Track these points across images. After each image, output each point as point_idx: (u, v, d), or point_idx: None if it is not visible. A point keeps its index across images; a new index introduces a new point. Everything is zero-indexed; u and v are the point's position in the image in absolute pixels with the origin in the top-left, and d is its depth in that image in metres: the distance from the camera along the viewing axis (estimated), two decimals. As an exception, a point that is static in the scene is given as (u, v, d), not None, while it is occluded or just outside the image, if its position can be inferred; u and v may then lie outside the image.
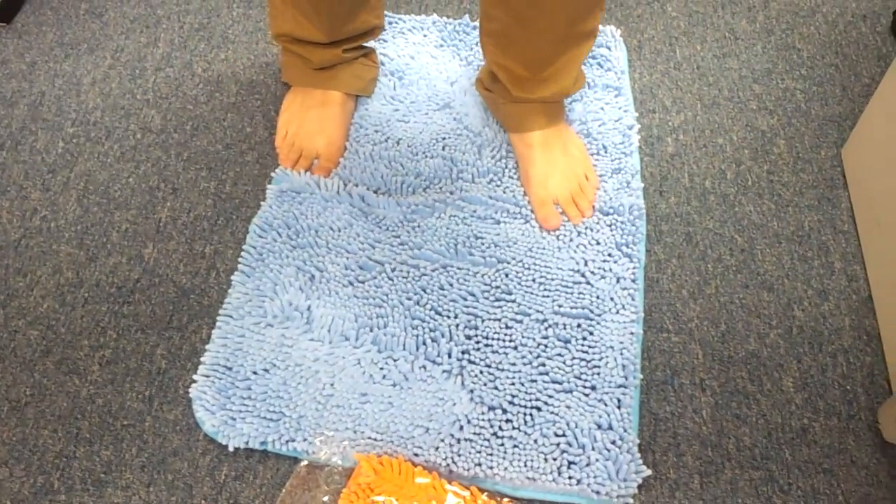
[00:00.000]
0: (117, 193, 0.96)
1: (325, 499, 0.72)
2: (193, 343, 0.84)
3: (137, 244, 0.92)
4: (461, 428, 0.78)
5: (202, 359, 0.82)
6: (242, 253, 0.89)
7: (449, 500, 0.72)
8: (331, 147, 0.95)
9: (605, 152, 0.97)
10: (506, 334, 0.83)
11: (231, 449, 0.77)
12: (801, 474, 0.76)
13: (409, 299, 0.85)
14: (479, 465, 0.75)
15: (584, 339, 0.83)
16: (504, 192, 0.94)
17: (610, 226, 0.91)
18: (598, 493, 0.74)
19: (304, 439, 0.76)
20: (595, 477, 0.74)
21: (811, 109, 1.04)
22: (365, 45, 0.99)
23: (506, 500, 0.73)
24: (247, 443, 0.77)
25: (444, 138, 0.98)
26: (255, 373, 0.81)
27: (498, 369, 0.81)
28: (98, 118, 1.03)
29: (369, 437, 0.77)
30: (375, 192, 0.94)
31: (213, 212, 0.94)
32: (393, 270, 0.88)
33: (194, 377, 0.81)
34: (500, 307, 0.85)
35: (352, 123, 0.99)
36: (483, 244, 0.90)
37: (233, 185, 0.97)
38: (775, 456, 0.77)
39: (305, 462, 0.75)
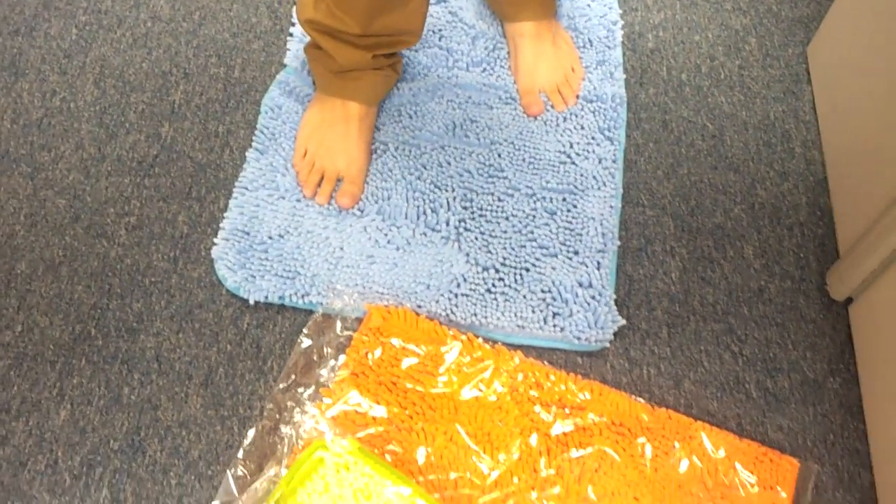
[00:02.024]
0: (132, 77, 1.02)
1: (337, 340, 0.81)
2: (212, 212, 0.92)
3: (154, 123, 0.98)
4: (458, 285, 0.87)
5: (221, 225, 0.90)
6: (256, 133, 0.96)
7: (449, 342, 0.81)
8: (352, 167, 0.90)
9: (591, 45, 1.05)
10: (498, 206, 0.92)
11: (252, 302, 0.85)
12: (756, 327, 0.87)
13: (411, 174, 0.93)
14: (475, 315, 0.85)
15: (569, 211, 0.92)
16: (496, 80, 1.01)
17: (594, 112, 0.99)
18: (578, 339, 0.84)
19: (318, 293, 0.85)
20: (576, 326, 0.84)
21: (781, 11, 1.12)
22: (391, 56, 0.92)
23: (499, 345, 0.83)
24: (266, 297, 0.85)
25: (440, 30, 1.05)
26: (270, 238, 0.89)
27: (491, 236, 0.90)
28: (109, 7, 1.08)
29: (377, 292, 0.86)
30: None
31: (224, 95, 1.01)
32: (396, 149, 0.95)
33: (215, 241, 0.89)
34: (493, 183, 0.94)
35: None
36: (477, 127, 0.97)
37: (241, 70, 1.03)
38: (735, 311, 0.88)
39: (320, 312, 0.84)
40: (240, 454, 0.75)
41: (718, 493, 0.74)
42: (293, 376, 0.80)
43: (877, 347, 0.81)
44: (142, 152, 0.96)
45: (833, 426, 0.81)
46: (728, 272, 0.90)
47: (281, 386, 0.79)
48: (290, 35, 1.05)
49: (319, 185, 0.91)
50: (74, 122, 0.98)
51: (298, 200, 0.91)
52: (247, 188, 0.92)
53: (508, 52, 1.02)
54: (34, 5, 1.07)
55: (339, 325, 0.83)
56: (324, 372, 0.80)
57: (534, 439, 0.76)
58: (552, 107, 0.99)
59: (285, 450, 0.74)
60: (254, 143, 0.96)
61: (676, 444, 0.76)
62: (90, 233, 0.90)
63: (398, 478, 0.70)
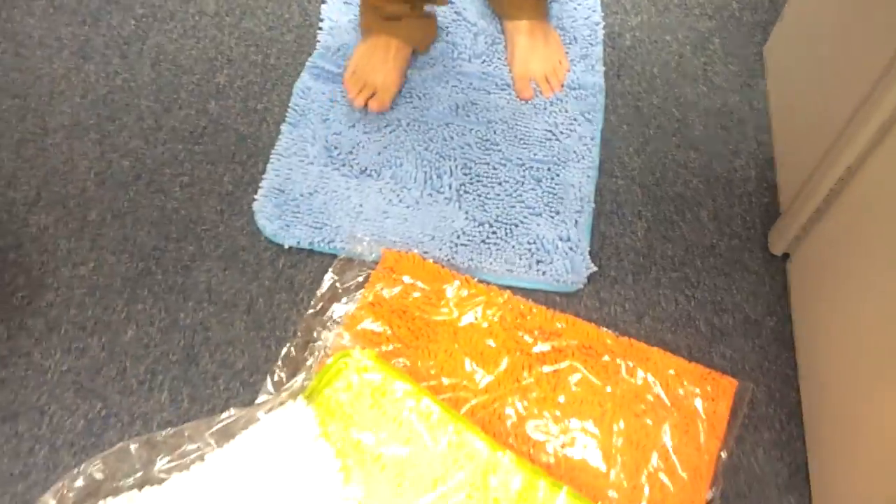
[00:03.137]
0: (183, 62, 1.20)
1: (357, 278, 0.98)
2: (252, 174, 1.09)
3: (202, 100, 1.16)
4: (458, 237, 1.04)
5: (260, 184, 1.07)
6: (289, 110, 1.14)
7: (450, 281, 0.98)
8: (387, 81, 1.12)
9: (576, 42, 1.22)
10: (493, 174, 1.09)
11: (286, 247, 1.02)
12: (707, 276, 1.04)
13: (420, 146, 1.11)
14: (472, 260, 1.02)
15: (553, 178, 1.09)
16: (494, 70, 1.19)
17: (576, 98, 1.17)
18: (557, 281, 1.01)
19: (342, 240, 1.02)
20: (556, 271, 1.01)
21: (742, 16, 1.29)
22: (428, 9, 1.17)
23: (491, 285, 1.00)
24: (298, 243, 1.02)
25: (446, 27, 1.22)
26: (301, 195, 1.06)
27: (486, 198, 1.07)
28: (162, 2, 1.26)
29: (390, 240, 1.03)
30: (392, 65, 1.18)
31: (262, 78, 1.18)
32: (408, 125, 1.13)
33: (255, 197, 1.06)
34: (489, 154, 1.11)
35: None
36: (477, 108, 1.15)
37: (276, 58, 1.20)
38: (690, 263, 1.05)
39: (343, 255, 1.01)
40: (278, 363, 0.92)
41: (669, 402, 0.91)
42: (321, 304, 0.97)
43: (807, 293, 0.98)
44: (192, 124, 1.13)
45: (768, 356, 0.98)
46: (685, 232, 1.07)
47: (311, 312, 0.96)
48: (320, 28, 1.23)
49: (360, 92, 1.13)
50: (135, 98, 1.15)
51: (325, 166, 1.09)
52: (281, 155, 1.10)
53: (505, 46, 1.20)
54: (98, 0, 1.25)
55: (359, 265, 1.00)
56: (346, 302, 0.97)
57: (517, 357, 0.93)
58: (541, 93, 1.16)
59: (315, 360, 0.91)
60: (287, 118, 1.13)
61: (631, 364, 0.93)
62: (150, 188, 1.07)
63: (407, 380, 0.87)
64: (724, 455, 0.89)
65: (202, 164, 1.09)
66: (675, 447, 0.88)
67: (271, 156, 1.09)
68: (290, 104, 1.14)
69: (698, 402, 0.91)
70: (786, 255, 1.04)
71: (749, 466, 0.90)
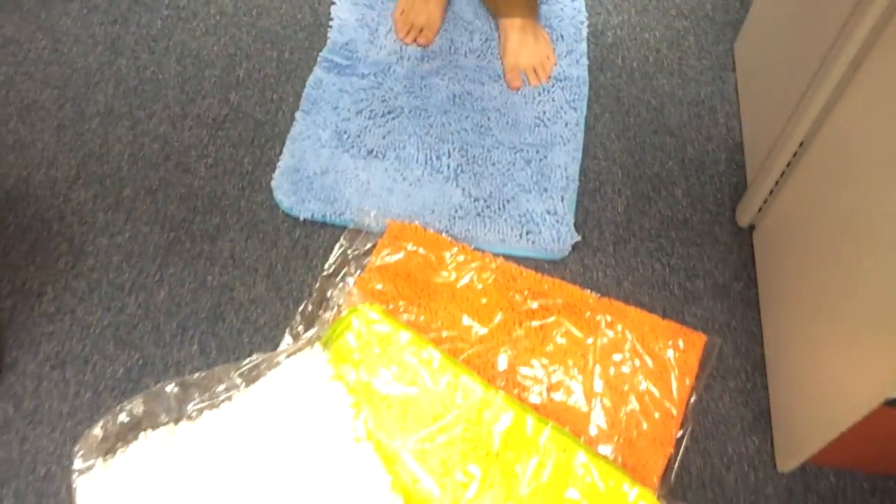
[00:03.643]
0: (206, 57, 1.32)
1: (365, 245, 1.10)
2: (270, 156, 1.21)
3: (224, 91, 1.27)
4: (456, 211, 1.15)
5: (277, 165, 1.19)
6: (302, 99, 1.26)
7: (448, 248, 1.10)
8: (430, 21, 1.32)
9: (562, 39, 1.34)
10: (487, 156, 1.21)
11: (301, 219, 1.14)
12: (680, 246, 1.15)
13: (421, 130, 1.23)
14: (468, 231, 1.13)
15: (541, 160, 1.21)
16: (487, 64, 1.31)
17: (562, 88, 1.29)
18: (545, 249, 1.12)
19: (351, 213, 1.14)
20: (544, 240, 1.13)
21: (715, 16, 1.42)
22: None
23: (485, 252, 1.11)
24: (312, 216, 1.14)
25: (445, 26, 1.34)
26: (314, 174, 1.18)
27: (481, 177, 1.19)
28: (185, 3, 1.38)
29: (395, 214, 1.14)
30: (398, 61, 1.30)
31: (277, 71, 1.30)
32: (410, 112, 1.25)
33: (273, 175, 1.17)
34: (483, 138, 1.23)
35: (380, 24, 1.34)
36: (472, 98, 1.27)
37: (290, 53, 1.33)
38: (665, 235, 1.16)
39: (352, 226, 1.12)
40: (296, 318, 1.04)
41: (644, 353, 1.02)
42: (333, 268, 1.08)
43: (770, 259, 1.09)
44: (215, 112, 1.25)
45: (735, 315, 1.09)
46: (661, 207, 1.19)
47: (324, 274, 1.07)
48: (329, 26, 1.35)
49: (408, 32, 1.32)
50: (162, 89, 1.27)
51: (336, 148, 1.20)
52: (296, 139, 1.21)
53: (498, 41, 1.32)
54: (128, 1, 1.37)
55: (366, 235, 1.11)
56: (355, 266, 1.08)
57: (509, 313, 1.04)
58: (529, 83, 1.28)
59: (329, 315, 1.03)
60: (301, 107, 1.25)
61: (610, 318, 1.04)
62: (178, 168, 1.19)
63: (410, 332, 0.98)
64: (693, 400, 1.00)
65: (224, 147, 1.21)
66: (649, 392, 0.99)
67: (287, 140, 1.21)
68: (303, 94, 1.26)
69: (670, 354, 1.02)
70: (751, 227, 1.16)
71: (716, 410, 1.02)
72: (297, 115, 1.24)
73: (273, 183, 1.16)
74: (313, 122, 1.23)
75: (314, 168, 1.18)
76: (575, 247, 1.14)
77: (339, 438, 0.90)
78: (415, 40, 1.31)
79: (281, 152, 1.20)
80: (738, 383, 1.04)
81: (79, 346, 1.02)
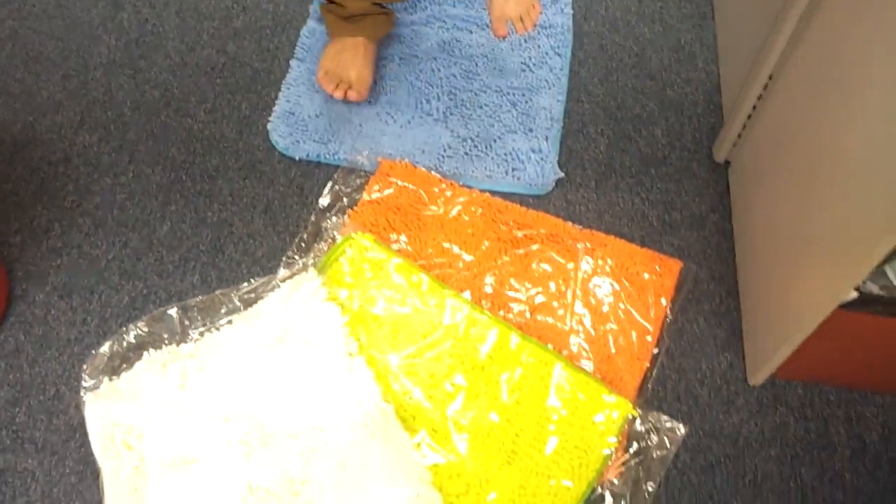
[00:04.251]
0: (204, 10, 1.36)
1: (357, 182, 1.15)
2: (266, 101, 1.26)
3: (222, 42, 1.32)
4: (445, 150, 1.21)
5: (273, 109, 1.24)
6: (297, 48, 1.31)
7: (438, 185, 1.15)
8: (360, 76, 1.21)
9: (548, -10, 1.39)
10: (475, 99, 1.26)
11: (297, 159, 1.19)
12: (660, 181, 1.20)
13: (411, 76, 1.28)
14: (457, 168, 1.18)
15: (527, 103, 1.26)
16: (475, 13, 1.36)
17: (547, 36, 1.33)
18: (530, 185, 1.17)
19: (345, 153, 1.19)
20: (529, 176, 1.18)
21: (696, -32, 1.46)
22: (386, 7, 1.24)
23: (473, 188, 1.16)
24: (307, 155, 1.19)
25: (434, -22, 1.39)
26: (309, 117, 1.23)
27: (469, 119, 1.24)
28: (183, -39, 1.43)
29: (387, 153, 1.19)
30: (387, 10, 1.35)
31: (273, 23, 1.35)
32: (400, 59, 1.30)
33: (269, 119, 1.23)
34: (471, 83, 1.28)
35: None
36: (460, 45, 1.32)
37: (285, 6, 1.37)
38: (645, 171, 1.21)
39: (345, 165, 1.18)
40: (292, 248, 1.09)
41: (623, 276, 1.08)
42: (328, 203, 1.13)
43: (743, 192, 1.14)
44: (213, 61, 1.30)
45: (710, 244, 1.15)
46: (642, 146, 1.24)
47: (319, 208, 1.13)
48: (322, -21, 1.39)
49: (337, 86, 1.22)
50: (163, 41, 1.32)
51: (330, 95, 1.25)
52: (291, 85, 1.26)
53: (485, -7, 1.37)
54: (127, -41, 1.42)
55: (359, 173, 1.16)
56: (348, 201, 1.14)
57: (495, 242, 1.10)
58: (515, 31, 1.32)
59: (324, 245, 1.08)
60: (296, 55, 1.30)
61: (590, 245, 1.09)
62: (178, 113, 1.24)
63: (401, 258, 1.04)
64: (669, 321, 1.05)
65: (223, 93, 1.26)
66: (627, 312, 1.05)
67: (282, 86, 1.26)
68: (297, 44, 1.31)
69: (647, 277, 1.08)
70: (727, 163, 1.21)
71: (691, 330, 1.07)
72: (292, 62, 1.29)
73: (269, 126, 1.22)
74: (308, 69, 1.28)
75: (309, 111, 1.23)
76: (559, 183, 1.19)
77: (333, 353, 0.96)
78: (345, 94, 1.20)
79: (277, 98, 1.25)
80: (712, 306, 1.09)
81: (85, 277, 1.08)
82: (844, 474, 0.96)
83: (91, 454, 0.91)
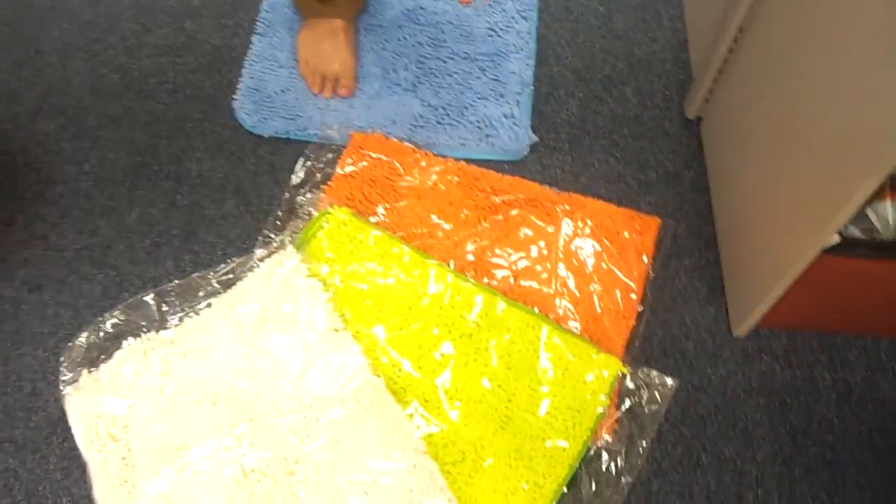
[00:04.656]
0: (158, -12, 1.32)
1: (329, 156, 1.13)
2: (230, 79, 1.22)
3: (179, 20, 1.28)
4: (416, 120, 1.19)
5: (237, 87, 1.20)
6: (257, 23, 1.27)
7: (411, 156, 1.13)
8: (345, 67, 1.17)
9: (509, -47, 1.37)
10: (444, 67, 1.24)
11: (265, 136, 1.16)
12: (633, 141, 1.20)
13: (377, 46, 1.25)
14: (430, 138, 1.17)
15: (496, 68, 1.24)
16: (438, -20, 1.34)
17: (513, 0, 1.32)
18: (505, 150, 1.16)
19: (314, 128, 1.17)
20: (503, 142, 1.17)
21: (656, -74, 1.45)
22: None
23: (448, 157, 1.15)
24: (276, 132, 1.16)
25: (394, -54, 1.37)
26: (275, 93, 1.20)
27: (439, 87, 1.22)
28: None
29: (357, 126, 1.17)
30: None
31: (231, -1, 1.32)
32: (365, 29, 1.27)
33: (234, 97, 1.19)
34: (439, 50, 1.26)
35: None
36: (426, 12, 1.29)
37: (242, -19, 1.34)
38: (617, 132, 1.21)
39: (316, 140, 1.15)
40: (267, 227, 1.07)
41: (603, 237, 1.07)
42: (300, 179, 1.11)
43: (716, 147, 1.15)
44: (172, 40, 1.26)
45: (686, 200, 1.15)
46: (613, 107, 1.23)
47: (293, 185, 1.10)
48: (279, -48, 1.36)
49: (322, 83, 1.20)
50: (118, 21, 1.28)
51: (294, 68, 1.23)
52: (254, 61, 1.23)
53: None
54: (73, -61, 1.37)
55: (330, 147, 1.14)
56: (321, 176, 1.11)
57: (474, 210, 1.09)
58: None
59: (300, 222, 1.06)
60: (256, 30, 1.27)
61: (569, 208, 1.09)
62: (140, 96, 1.20)
63: (380, 230, 1.02)
64: (651, 277, 1.05)
65: (184, 73, 1.23)
66: (610, 272, 1.05)
67: (245, 62, 1.23)
68: (258, 18, 1.28)
69: (627, 236, 1.08)
70: (699, 119, 1.21)
71: (674, 286, 1.07)
72: (254, 38, 1.26)
73: (235, 104, 1.19)
74: (270, 43, 1.25)
75: (274, 88, 1.20)
76: (533, 148, 1.18)
77: (318, 330, 0.94)
78: (334, 92, 1.18)
79: (240, 75, 1.22)
80: (692, 261, 1.09)
81: (54, 269, 1.05)
82: (832, 418, 0.97)
83: (76, 449, 0.89)
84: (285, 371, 0.92)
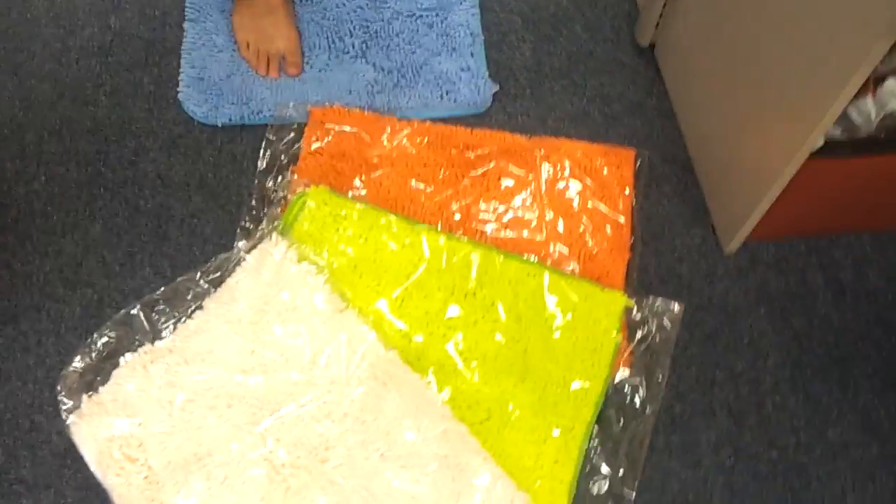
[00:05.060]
0: (72, -14, 1.24)
1: (292, 136, 1.09)
2: (169, 71, 1.16)
3: (102, 17, 1.21)
4: (372, 87, 1.15)
5: (180, 78, 1.15)
6: (186, 9, 1.21)
7: (377, 122, 1.10)
8: (289, 44, 1.14)
9: None
10: (389, 28, 1.21)
11: (219, 125, 1.11)
12: (591, 76, 1.19)
13: (317, 16, 1.21)
14: (389, 103, 1.14)
15: (442, 22, 1.22)
16: (367, -60, 1.29)
17: (446, -50, 1.29)
18: (469, 104, 1.14)
19: (269, 109, 1.12)
20: (465, 97, 1.15)
21: None
22: None
23: (413, 120, 1.12)
24: (230, 119, 1.11)
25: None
26: (220, 79, 1.15)
27: (389, 49, 1.19)
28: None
29: (313, 101, 1.13)
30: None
31: (153, -12, 1.25)
32: (302, 1, 1.22)
33: (178, 89, 1.14)
34: (381, 12, 1.22)
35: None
36: (360, -25, 1.25)
37: (161, -33, 1.27)
38: (575, 70, 1.20)
39: (273, 122, 1.11)
40: (244, 219, 1.03)
41: (584, 175, 1.07)
42: (266, 164, 1.07)
43: (674, 69, 1.15)
44: (99, 40, 1.19)
45: (655, 128, 1.15)
46: (565, 45, 1.22)
47: (260, 171, 1.06)
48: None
49: (268, 64, 1.15)
50: (35, 27, 1.19)
51: (234, 51, 1.17)
52: (191, 49, 1.17)
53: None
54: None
55: (290, 126, 1.10)
56: (287, 158, 1.07)
57: (451, 168, 1.07)
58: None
59: (276, 209, 1.02)
60: (188, 16, 1.20)
61: (544, 151, 1.08)
62: (76, 103, 1.13)
63: (363, 204, 0.99)
64: (635, 208, 1.06)
65: (119, 72, 1.16)
66: (596, 209, 1.05)
67: (182, 52, 1.17)
68: (185, 4, 1.21)
69: (606, 171, 1.08)
70: (652, 45, 1.21)
71: (658, 213, 1.08)
72: (186, 25, 1.19)
73: (181, 96, 1.13)
74: (203, 29, 1.19)
75: (218, 73, 1.15)
76: (495, 97, 1.16)
77: (321, 313, 0.92)
78: (281, 71, 1.14)
79: (180, 66, 1.16)
80: (671, 186, 1.10)
81: (25, 297, 0.99)
82: (830, 316, 1.00)
83: (91, 477, 0.85)
84: (295, 360, 0.90)
